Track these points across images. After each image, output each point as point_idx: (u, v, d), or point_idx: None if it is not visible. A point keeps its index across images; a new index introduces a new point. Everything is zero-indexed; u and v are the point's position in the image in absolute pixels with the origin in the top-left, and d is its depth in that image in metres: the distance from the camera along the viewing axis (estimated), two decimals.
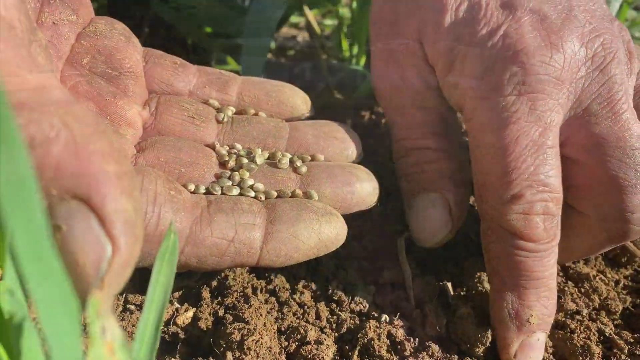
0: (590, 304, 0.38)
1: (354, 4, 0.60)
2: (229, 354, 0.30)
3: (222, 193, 0.32)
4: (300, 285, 0.36)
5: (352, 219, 0.42)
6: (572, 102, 0.34)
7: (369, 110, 0.57)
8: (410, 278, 0.37)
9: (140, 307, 0.33)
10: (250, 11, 0.47)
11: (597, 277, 0.41)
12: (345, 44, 0.64)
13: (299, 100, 0.39)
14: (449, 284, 0.38)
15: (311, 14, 0.65)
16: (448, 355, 0.33)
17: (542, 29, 0.34)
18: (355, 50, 0.63)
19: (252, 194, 0.32)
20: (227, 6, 0.65)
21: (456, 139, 0.40)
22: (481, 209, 0.35)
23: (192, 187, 0.32)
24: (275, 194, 0.33)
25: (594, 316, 0.38)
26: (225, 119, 0.37)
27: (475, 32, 0.35)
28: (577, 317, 0.37)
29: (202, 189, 0.32)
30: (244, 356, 0.30)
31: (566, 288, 0.39)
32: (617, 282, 0.41)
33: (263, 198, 0.32)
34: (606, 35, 0.35)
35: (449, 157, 0.39)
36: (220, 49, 0.70)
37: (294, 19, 0.92)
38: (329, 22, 0.89)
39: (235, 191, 0.32)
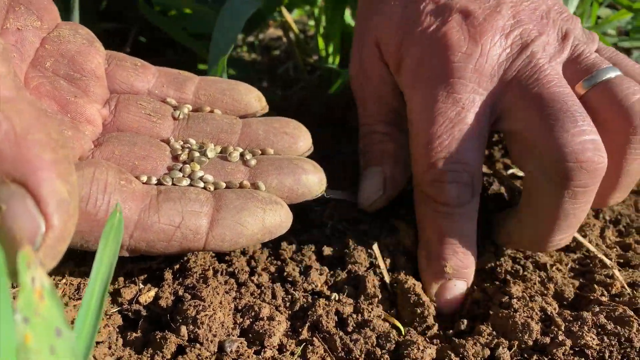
0: (545, 291, 0.41)
1: (327, 6, 0.63)
2: (183, 328, 0.33)
3: (173, 184, 0.35)
4: (259, 268, 0.39)
5: (314, 207, 0.45)
6: (496, 83, 0.39)
7: (341, 106, 0.60)
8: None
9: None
10: (223, 8, 0.50)
11: (554, 267, 0.43)
12: (321, 44, 0.67)
13: (253, 98, 0.42)
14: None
15: (289, 15, 0.67)
16: (388, 330, 0.35)
17: (464, 25, 0.40)
18: (331, 49, 0.66)
19: (202, 184, 0.35)
20: (211, 8, 0.68)
21: (405, 127, 0.44)
22: (413, 176, 0.41)
23: (144, 178, 0.34)
24: (224, 184, 0.36)
25: (539, 297, 0.40)
26: (181, 116, 0.39)
27: (414, 32, 0.41)
28: (523, 299, 0.40)
29: (154, 180, 0.34)
30: (197, 330, 0.32)
31: (526, 273, 0.41)
32: (566, 265, 0.44)
33: (212, 189, 0.35)
34: (528, 26, 0.40)
35: (393, 140, 0.45)
36: (205, 50, 0.73)
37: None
38: (312, 22, 0.92)
39: (186, 182, 0.35)
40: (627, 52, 0.80)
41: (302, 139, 0.40)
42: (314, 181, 0.37)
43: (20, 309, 0.17)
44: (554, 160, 0.35)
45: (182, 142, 0.38)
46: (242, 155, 0.38)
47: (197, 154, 0.37)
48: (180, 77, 0.41)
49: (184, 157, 0.36)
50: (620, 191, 0.41)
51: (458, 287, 0.39)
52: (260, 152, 0.38)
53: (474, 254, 0.40)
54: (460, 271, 0.39)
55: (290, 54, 0.85)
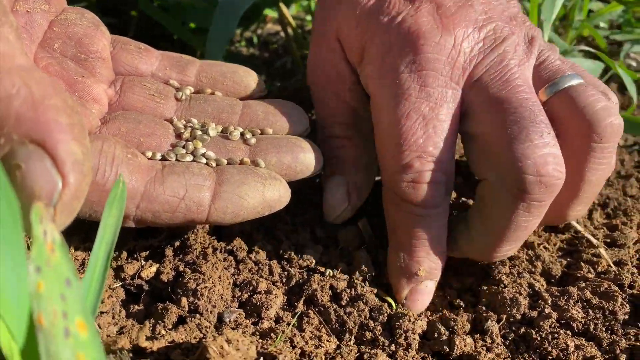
0: (533, 269, 0.42)
1: None
2: (184, 300, 0.34)
3: (177, 160, 0.36)
4: (256, 247, 0.40)
5: (314, 190, 0.47)
6: (467, 78, 0.37)
7: None
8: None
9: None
10: (220, 2, 0.51)
11: (541, 245, 0.45)
12: None
13: (252, 81, 0.43)
14: None
15: (287, 10, 0.69)
16: (380, 304, 0.37)
17: (436, 15, 0.38)
18: None
19: (204, 161, 0.37)
20: (208, 2, 0.69)
21: (366, 128, 0.42)
22: (382, 177, 0.39)
23: (149, 154, 0.36)
24: (225, 161, 0.37)
25: (527, 274, 0.41)
26: (184, 97, 0.41)
27: (379, 21, 0.39)
28: (512, 275, 0.41)
29: (159, 156, 0.36)
30: (197, 301, 0.34)
31: (517, 260, 0.43)
32: (554, 244, 0.45)
33: (214, 165, 0.37)
34: (499, 23, 0.39)
35: (354, 145, 0.43)
36: (203, 44, 0.74)
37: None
38: (310, 17, 0.93)
39: (189, 158, 0.36)
40: (619, 44, 0.82)
41: (300, 120, 0.41)
42: (311, 159, 0.38)
43: (34, 259, 0.19)
44: (514, 170, 0.34)
45: (184, 122, 0.39)
46: (242, 134, 0.39)
47: (199, 132, 0.38)
48: (182, 61, 0.43)
49: (186, 135, 0.38)
50: (581, 203, 0.40)
51: (429, 288, 0.39)
52: (260, 131, 0.40)
53: (445, 253, 0.39)
54: (432, 272, 0.38)
55: (287, 48, 0.87)
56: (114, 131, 0.36)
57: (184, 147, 0.37)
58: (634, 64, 0.79)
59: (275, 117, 0.40)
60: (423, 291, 0.38)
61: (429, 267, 0.38)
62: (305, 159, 0.38)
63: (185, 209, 0.33)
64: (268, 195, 0.35)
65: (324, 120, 0.44)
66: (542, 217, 0.37)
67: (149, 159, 0.35)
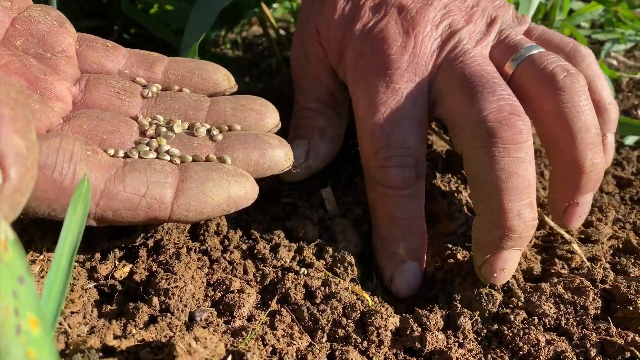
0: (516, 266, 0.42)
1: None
2: (155, 299, 0.34)
3: (140, 157, 0.36)
4: (231, 246, 0.40)
5: (286, 189, 0.47)
6: (429, 70, 0.42)
7: None
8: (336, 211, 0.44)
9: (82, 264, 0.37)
10: (198, 0, 0.52)
11: None
12: None
13: (221, 77, 0.43)
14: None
15: (268, 10, 0.69)
16: (354, 301, 0.37)
17: (398, 20, 0.43)
18: None
19: (168, 157, 0.36)
20: (189, 3, 0.69)
21: (340, 110, 0.48)
22: (362, 165, 0.43)
23: (111, 151, 0.36)
24: (190, 158, 0.37)
25: None
26: (150, 95, 0.40)
27: (352, 29, 0.45)
28: None
29: (121, 153, 0.36)
30: (168, 300, 0.34)
31: None
32: (531, 242, 0.45)
33: (178, 162, 0.36)
34: (456, 16, 0.44)
35: (324, 117, 0.47)
36: None
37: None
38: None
39: (152, 155, 0.36)
40: (601, 44, 0.82)
41: (269, 115, 0.41)
42: (280, 155, 0.38)
43: None
44: (478, 126, 0.38)
45: (150, 119, 0.39)
46: (209, 131, 0.39)
47: (164, 129, 0.38)
48: (150, 58, 0.43)
49: (151, 132, 0.38)
50: (586, 156, 0.40)
51: (412, 268, 0.41)
52: (227, 128, 0.39)
53: (424, 236, 0.42)
54: (412, 252, 0.41)
55: (272, 50, 0.87)
56: (75, 129, 0.36)
57: (147, 144, 0.37)
58: (614, 62, 0.80)
59: (244, 113, 0.40)
60: (407, 271, 0.40)
61: (408, 246, 0.41)
62: (273, 155, 0.38)
63: (146, 207, 0.33)
64: (233, 191, 0.35)
65: (301, 96, 0.49)
66: (532, 163, 0.38)
67: (111, 156, 0.35)
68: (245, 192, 0.35)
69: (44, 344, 0.18)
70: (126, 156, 0.36)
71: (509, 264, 0.38)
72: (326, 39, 0.46)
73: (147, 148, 0.36)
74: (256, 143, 0.38)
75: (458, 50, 0.42)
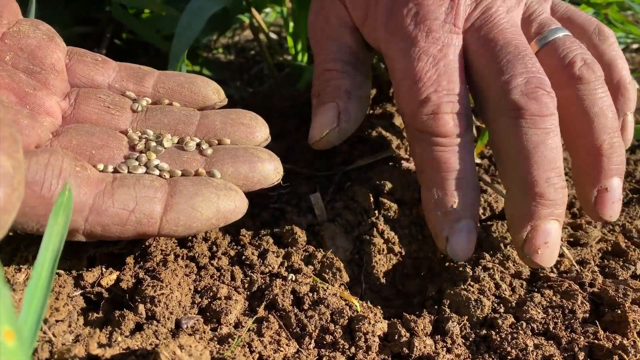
0: (504, 270, 0.42)
1: (293, 5, 0.64)
2: (141, 307, 0.34)
3: (129, 172, 0.36)
4: (219, 253, 0.40)
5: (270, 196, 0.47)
6: (464, 27, 0.41)
7: (305, 100, 0.61)
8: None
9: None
10: (187, 6, 0.52)
11: (508, 246, 0.45)
12: (290, 42, 0.68)
13: (211, 91, 0.43)
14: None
15: (258, 15, 0.69)
16: (342, 307, 0.37)
17: None
18: (300, 47, 0.68)
19: (157, 172, 0.36)
20: (179, 9, 0.69)
21: (364, 70, 0.46)
22: (404, 121, 0.42)
23: (101, 166, 0.36)
24: (179, 172, 0.37)
25: (498, 274, 0.41)
26: (140, 109, 0.40)
27: None
28: (479, 276, 0.41)
29: (110, 169, 0.36)
30: (154, 308, 0.34)
31: (482, 260, 0.43)
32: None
33: (168, 176, 0.36)
34: None
35: (350, 77, 0.45)
36: None
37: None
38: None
39: (141, 170, 0.36)
40: None
41: (258, 129, 0.41)
42: (269, 169, 0.38)
43: None
44: (504, 96, 0.38)
45: (139, 133, 0.39)
46: (198, 145, 0.39)
47: (153, 144, 0.38)
48: (140, 72, 0.43)
49: (140, 146, 0.38)
50: (604, 138, 0.40)
51: (469, 227, 0.39)
52: (217, 142, 0.39)
53: (479, 190, 0.40)
54: (468, 209, 0.39)
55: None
56: (65, 144, 0.36)
57: (137, 158, 0.37)
58: None
59: (234, 127, 0.40)
60: (463, 230, 0.39)
61: (463, 201, 0.39)
62: (263, 169, 0.38)
63: (135, 222, 0.33)
64: (222, 206, 0.35)
65: (321, 58, 0.47)
66: (558, 136, 0.38)
67: (100, 171, 0.35)
68: (235, 206, 0.35)
69: (20, 356, 0.18)
70: (115, 171, 0.36)
71: (551, 237, 0.37)
72: (350, 1, 0.46)
73: (137, 163, 0.36)
74: (246, 157, 0.38)
75: (492, 12, 0.41)
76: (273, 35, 0.87)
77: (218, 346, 0.33)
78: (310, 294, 0.37)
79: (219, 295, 0.36)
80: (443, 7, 0.41)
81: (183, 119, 0.40)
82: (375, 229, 0.44)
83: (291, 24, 0.69)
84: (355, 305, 0.38)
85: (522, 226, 0.38)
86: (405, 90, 0.40)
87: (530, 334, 0.36)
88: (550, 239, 0.37)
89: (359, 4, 0.45)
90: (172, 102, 0.42)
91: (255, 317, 0.36)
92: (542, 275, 0.41)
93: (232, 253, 0.40)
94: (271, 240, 0.42)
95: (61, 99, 0.39)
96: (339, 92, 0.44)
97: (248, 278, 0.39)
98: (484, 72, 0.40)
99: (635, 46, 0.86)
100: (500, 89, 0.38)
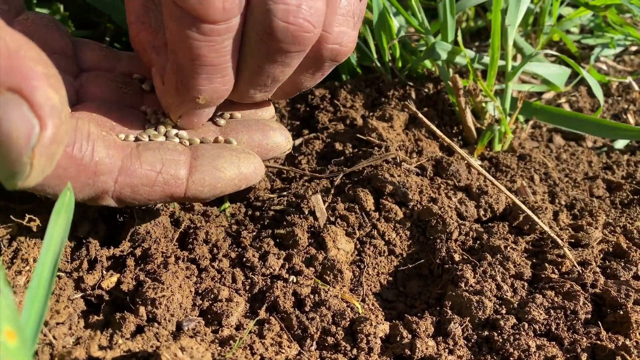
0: (505, 271, 0.42)
1: None
2: (142, 309, 0.34)
3: (150, 140, 0.37)
4: (220, 255, 0.40)
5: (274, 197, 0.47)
6: None
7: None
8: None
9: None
10: None
11: (509, 247, 0.45)
12: None
13: None
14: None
15: None
16: (343, 309, 0.37)
17: None
18: None
19: (177, 140, 0.38)
20: None
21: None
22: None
23: (122, 136, 0.36)
24: (198, 140, 0.38)
25: (499, 275, 0.41)
26: (149, 88, 0.41)
27: None
28: (480, 277, 0.41)
29: (132, 137, 0.37)
30: (155, 310, 0.34)
31: (483, 253, 0.43)
32: (521, 247, 0.45)
33: (188, 143, 0.38)
34: None
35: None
36: None
37: None
38: None
39: (161, 138, 0.37)
40: (590, 49, 0.83)
41: (266, 107, 0.42)
42: (281, 138, 0.40)
43: None
44: (266, 15, 0.32)
45: (154, 109, 0.40)
46: (210, 118, 0.40)
47: (168, 118, 0.39)
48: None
49: (156, 119, 0.39)
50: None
51: (206, 112, 0.38)
52: (229, 115, 0.41)
53: (231, 81, 0.36)
54: (213, 100, 0.36)
55: None
56: (85, 116, 0.36)
57: (155, 129, 0.38)
58: (604, 67, 0.80)
59: (243, 105, 0.41)
60: (200, 114, 0.38)
61: (210, 95, 0.36)
62: (275, 137, 0.40)
63: (163, 183, 0.34)
64: (244, 167, 0.36)
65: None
66: (290, 71, 0.36)
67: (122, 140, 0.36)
68: (255, 168, 0.37)
69: (21, 356, 0.18)
70: (137, 140, 0.37)
71: None
72: None
73: (156, 132, 0.37)
74: (258, 127, 0.40)
75: None
76: None
77: (219, 348, 0.33)
78: (312, 296, 0.37)
79: (220, 297, 0.36)
80: None
81: None
82: (376, 231, 0.44)
83: None
84: (357, 307, 0.38)
85: None
86: None
87: (533, 335, 0.36)
88: None
89: None
90: None
91: (256, 319, 0.36)
92: (543, 276, 0.41)
93: (233, 255, 0.40)
94: (272, 242, 0.41)
95: (73, 79, 0.40)
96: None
97: (249, 280, 0.38)
98: None
99: (634, 48, 0.86)
100: (264, 8, 0.32)
